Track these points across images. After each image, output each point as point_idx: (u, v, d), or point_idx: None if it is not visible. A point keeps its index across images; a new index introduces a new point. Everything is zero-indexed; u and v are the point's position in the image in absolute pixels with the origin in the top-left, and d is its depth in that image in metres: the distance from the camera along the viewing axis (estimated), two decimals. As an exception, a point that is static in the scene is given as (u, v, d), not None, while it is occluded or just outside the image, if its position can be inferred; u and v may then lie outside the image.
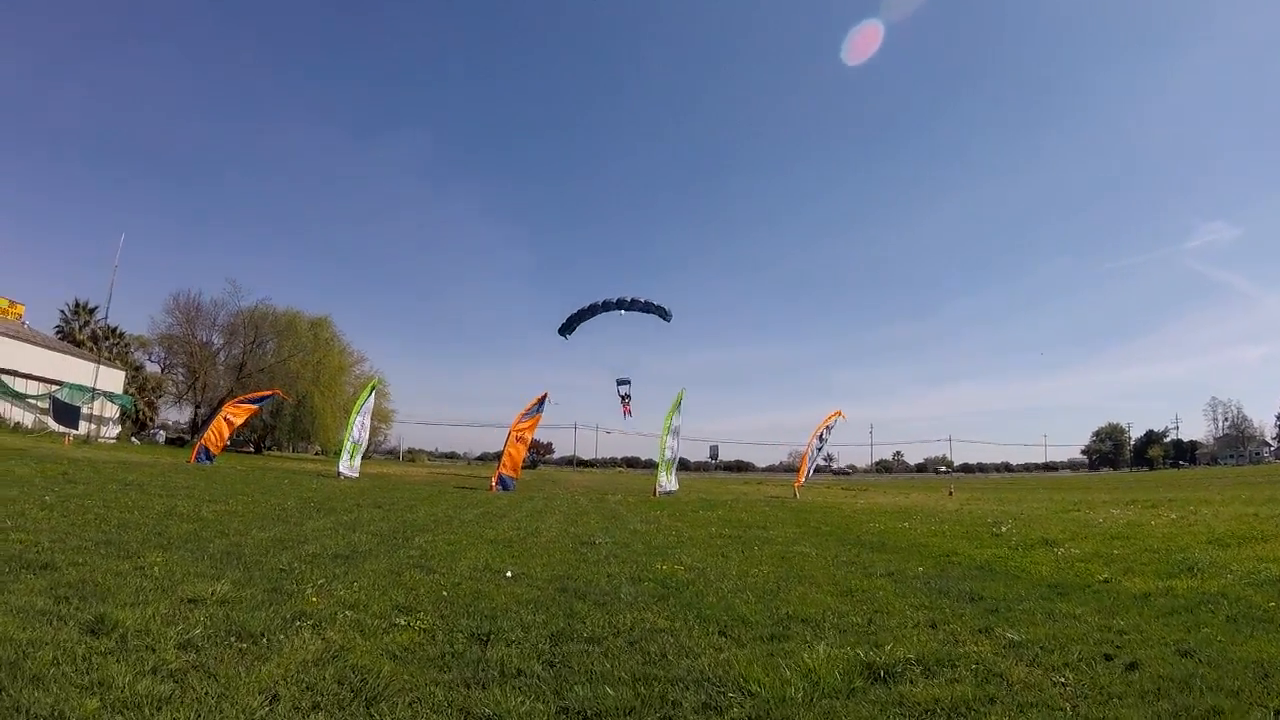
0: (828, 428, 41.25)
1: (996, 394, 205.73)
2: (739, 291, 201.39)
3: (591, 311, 39.20)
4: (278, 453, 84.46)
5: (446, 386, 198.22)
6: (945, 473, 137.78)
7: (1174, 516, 19.09)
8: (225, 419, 40.58)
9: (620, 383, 40.78)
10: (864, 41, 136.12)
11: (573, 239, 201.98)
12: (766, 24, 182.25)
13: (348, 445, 36.33)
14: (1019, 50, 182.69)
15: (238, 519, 14.42)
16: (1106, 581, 10.49)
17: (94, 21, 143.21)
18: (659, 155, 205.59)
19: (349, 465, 35.78)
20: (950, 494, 41.01)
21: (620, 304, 38.42)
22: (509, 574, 10.17)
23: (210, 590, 7.57)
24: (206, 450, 38.14)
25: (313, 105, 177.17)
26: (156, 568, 8.61)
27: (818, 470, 45.23)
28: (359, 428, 37.32)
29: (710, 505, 26.17)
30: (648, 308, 39.03)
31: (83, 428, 54.41)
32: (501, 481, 33.94)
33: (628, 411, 41.93)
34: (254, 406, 45.90)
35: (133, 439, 65.42)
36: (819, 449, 42.22)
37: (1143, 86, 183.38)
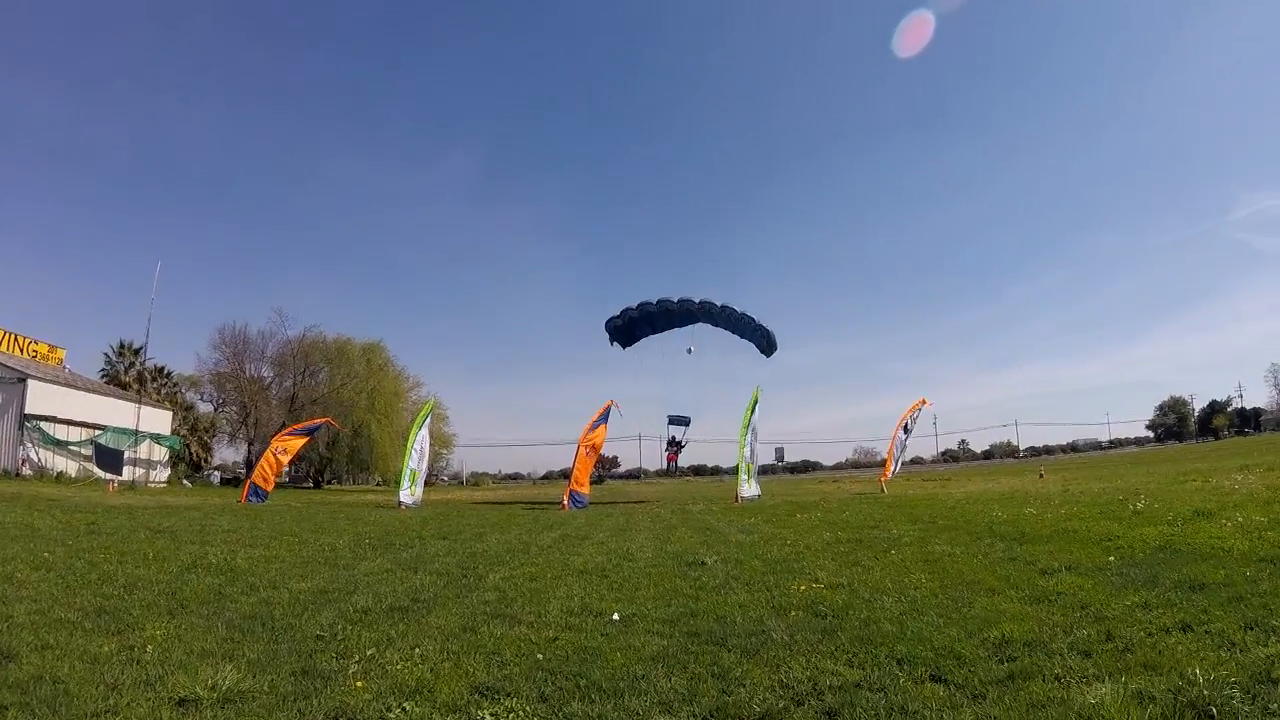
0: (912, 417, 39.06)
1: (1057, 376, 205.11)
2: (795, 289, 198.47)
3: (665, 316, 36.52)
4: (338, 486, 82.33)
5: (505, 407, 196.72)
6: (1022, 457, 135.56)
7: None
8: (275, 454, 38.61)
9: (674, 422, 39.29)
10: (915, 33, 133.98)
11: (624, 249, 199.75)
12: (815, 25, 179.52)
13: (407, 473, 34.10)
14: (1052, 33, 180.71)
15: (277, 565, 12.10)
16: None
17: (136, 45, 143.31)
18: (711, 158, 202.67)
19: (410, 494, 33.54)
20: (1041, 476, 39.80)
21: (704, 312, 35.78)
22: (615, 616, 8.03)
23: (212, 681, 5.39)
24: (257, 488, 36.24)
25: (358, 127, 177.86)
26: (151, 646, 6.46)
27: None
28: (417, 454, 35.09)
29: (801, 507, 23.88)
30: (743, 328, 36.12)
31: (127, 473, 52.64)
32: (574, 499, 30.96)
33: (673, 460, 41.89)
34: (304, 437, 43.89)
35: (184, 481, 62.71)
36: (904, 440, 39.74)
37: (1171, 61, 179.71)
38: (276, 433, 48.11)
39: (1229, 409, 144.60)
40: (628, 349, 38.63)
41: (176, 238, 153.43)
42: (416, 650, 6.56)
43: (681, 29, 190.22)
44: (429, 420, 37.43)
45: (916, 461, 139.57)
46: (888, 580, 9.62)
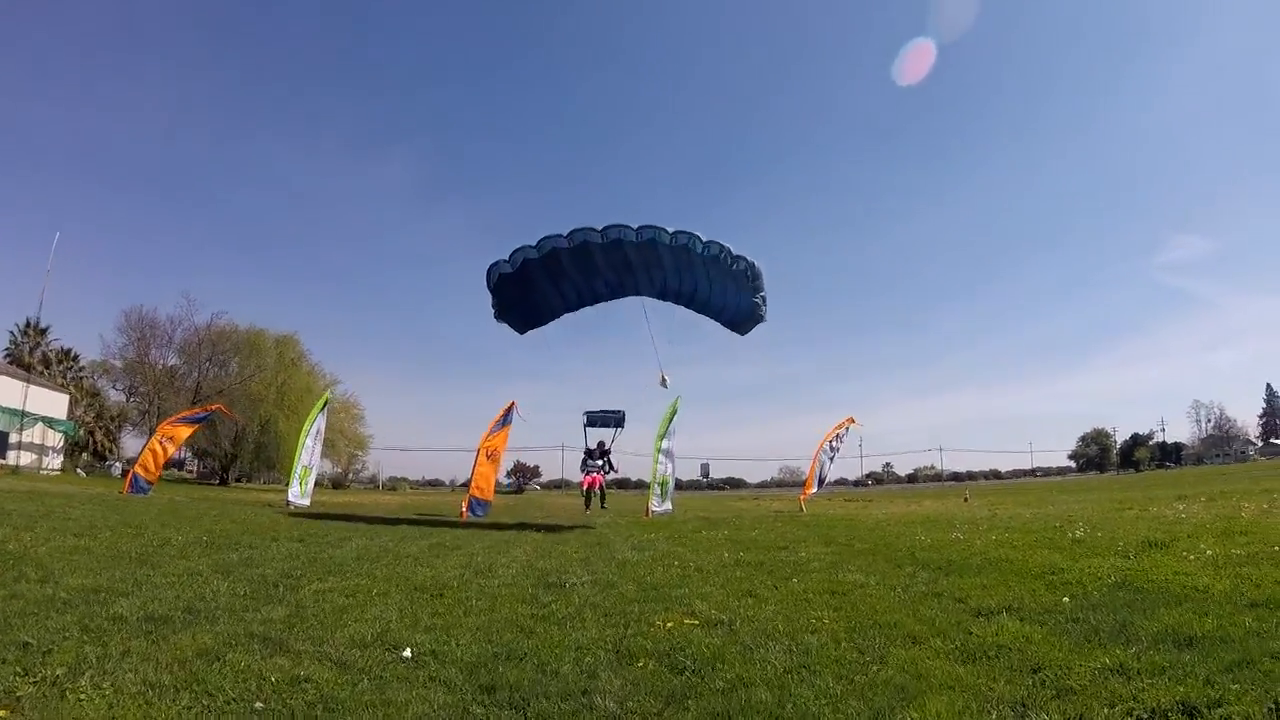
0: (838, 436, 37.26)
1: (982, 403, 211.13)
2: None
3: (584, 273, 20.20)
4: (246, 484, 78.56)
5: (432, 412, 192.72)
6: (946, 481, 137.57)
7: (1253, 507, 18.07)
8: (160, 442, 35.62)
9: (597, 422, 27.33)
10: (917, 62, 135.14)
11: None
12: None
13: (297, 470, 31.31)
14: (998, 70, 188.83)
15: (80, 557, 10.68)
16: None
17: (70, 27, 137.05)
18: (660, 173, 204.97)
19: (299, 493, 30.84)
20: (966, 500, 38.85)
21: (649, 268, 19.97)
22: (407, 653, 6.16)
23: None
24: (138, 479, 33.35)
25: (295, 121, 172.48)
26: None
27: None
28: (309, 449, 32.44)
29: (712, 524, 22.08)
30: (714, 293, 20.53)
31: (12, 457, 49.49)
32: (473, 506, 28.86)
33: (594, 485, 29.80)
34: (193, 426, 40.71)
35: (78, 470, 59.33)
36: (830, 458, 37.93)
37: (1118, 105, 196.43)
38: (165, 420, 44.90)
39: (1151, 442, 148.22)
40: (524, 333, 22.66)
41: (86, 213, 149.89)
42: (115, 679, 5.12)
43: (637, 35, 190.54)
44: (325, 413, 34.81)
45: (841, 482, 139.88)
46: (781, 619, 7.66)
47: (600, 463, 27.36)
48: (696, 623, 7.41)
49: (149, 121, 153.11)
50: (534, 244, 18.88)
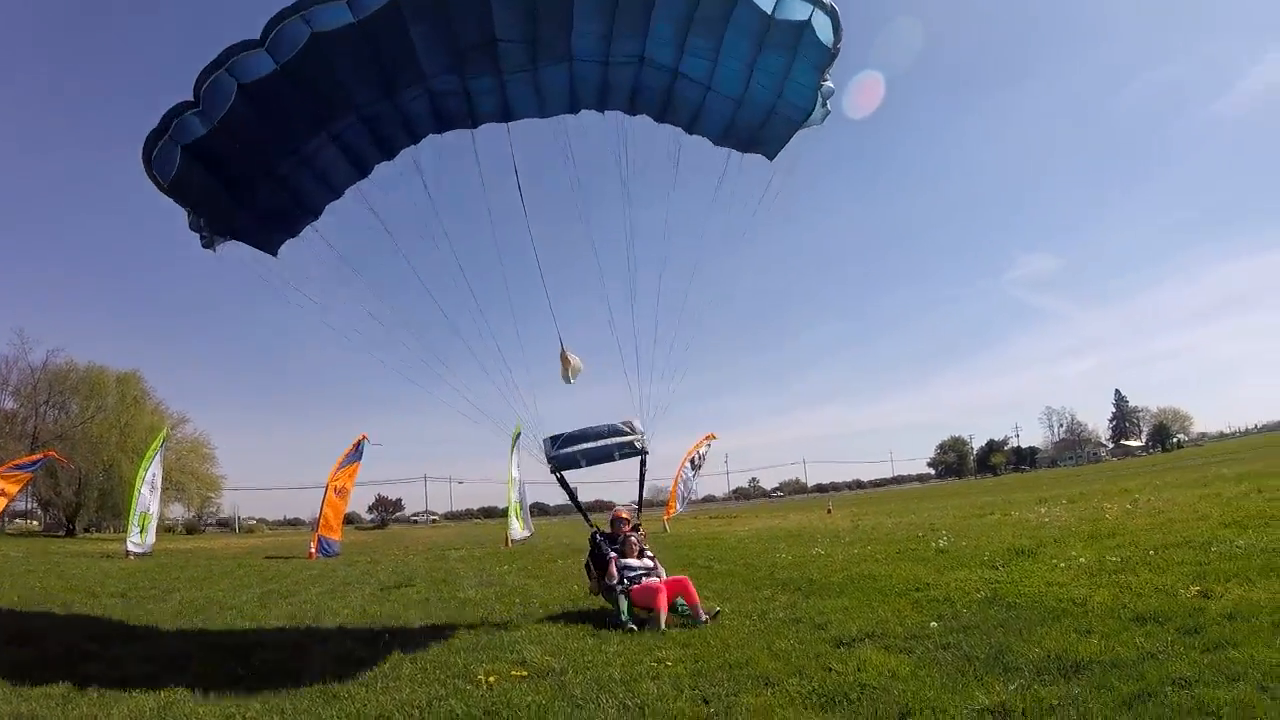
0: (699, 453, 36.72)
1: (844, 417, 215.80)
2: (593, 330, 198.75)
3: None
4: (95, 534, 73.89)
5: (291, 448, 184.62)
6: (810, 493, 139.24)
7: (1114, 508, 18.16)
8: (-9, 493, 32.94)
9: (590, 456, 10.49)
10: (868, 95, 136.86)
11: (415, 289, 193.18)
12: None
13: (134, 516, 29.05)
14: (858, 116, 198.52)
15: None
16: (1205, 596, 7.33)
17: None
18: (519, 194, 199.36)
19: (138, 541, 28.62)
20: (829, 511, 38.53)
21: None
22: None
23: None
24: (-37, 534, 30.96)
25: (133, 132, 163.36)
26: None
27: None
28: (147, 493, 30.08)
29: (571, 550, 21.06)
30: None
31: None
32: (322, 546, 27.17)
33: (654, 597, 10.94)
34: (25, 475, 38.03)
35: None
36: (692, 475, 37.29)
37: (965, 135, 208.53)
38: (-10, 471, 41.55)
39: (1006, 447, 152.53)
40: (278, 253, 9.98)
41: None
42: None
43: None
44: (161, 455, 32.60)
45: (708, 499, 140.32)
46: (620, 663, 6.65)
47: (639, 568, 10.19)
48: (525, 674, 6.38)
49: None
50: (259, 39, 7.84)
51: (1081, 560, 10.16)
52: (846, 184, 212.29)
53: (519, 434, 30.08)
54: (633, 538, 10.56)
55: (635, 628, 8.42)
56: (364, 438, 30.25)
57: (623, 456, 10.46)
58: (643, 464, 10.87)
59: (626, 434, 10.36)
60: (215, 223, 9.23)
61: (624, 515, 11.54)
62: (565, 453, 10.32)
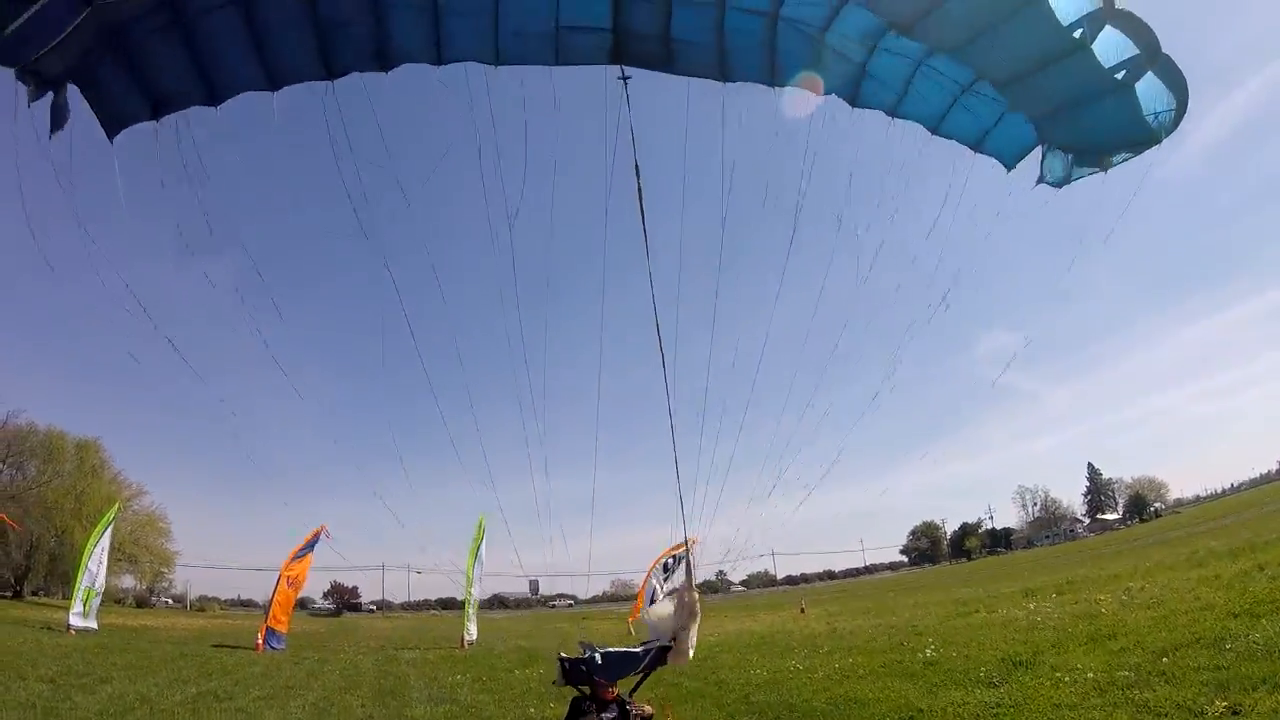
0: (674, 557, 35.70)
1: (812, 506, 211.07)
2: (564, 415, 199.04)
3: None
4: (44, 598, 72.42)
5: (249, 527, 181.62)
6: (780, 586, 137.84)
7: (1108, 599, 17.01)
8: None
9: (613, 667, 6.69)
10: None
11: (375, 374, 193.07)
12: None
13: (79, 590, 27.94)
14: (823, 171, 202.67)
15: None
16: (1235, 713, 6.72)
17: None
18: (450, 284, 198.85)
19: (81, 616, 27.52)
20: (803, 610, 37.56)
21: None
22: None
23: None
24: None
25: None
26: None
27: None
28: (94, 569, 28.84)
29: (530, 657, 20.30)
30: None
31: None
32: (269, 639, 25.73)
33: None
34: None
35: None
36: (663, 579, 36.19)
37: (921, 220, 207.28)
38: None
39: (980, 530, 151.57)
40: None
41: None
42: None
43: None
44: (109, 530, 31.44)
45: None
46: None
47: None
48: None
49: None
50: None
51: (1089, 674, 9.11)
52: (808, 262, 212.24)
53: (482, 528, 29.13)
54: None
55: None
56: (323, 529, 29.16)
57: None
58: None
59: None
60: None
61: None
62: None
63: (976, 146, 7.98)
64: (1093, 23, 6.48)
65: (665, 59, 7.60)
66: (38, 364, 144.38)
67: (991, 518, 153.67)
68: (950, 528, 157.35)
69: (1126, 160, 7.71)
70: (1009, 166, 8.35)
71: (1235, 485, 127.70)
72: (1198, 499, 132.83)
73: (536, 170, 7.03)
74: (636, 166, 7.07)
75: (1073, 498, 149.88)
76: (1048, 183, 8.07)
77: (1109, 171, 7.65)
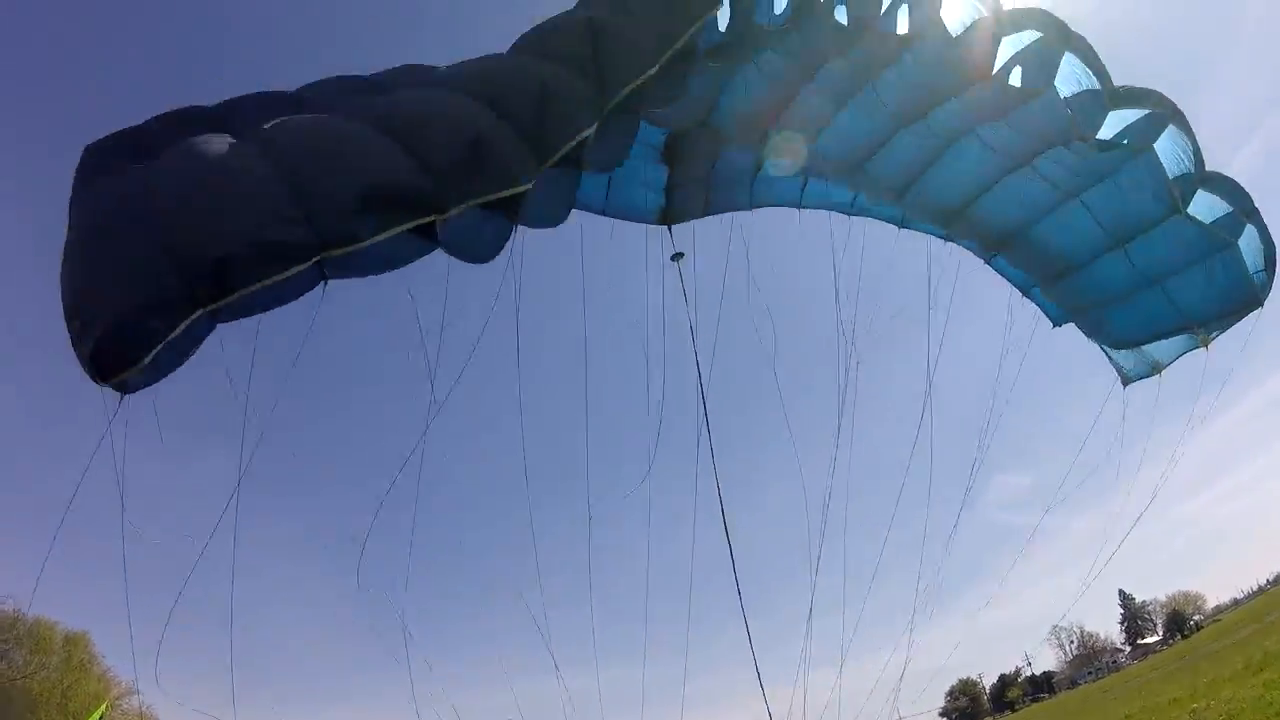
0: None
1: (832, 678, 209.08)
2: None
3: None
4: None
5: None
6: None
7: None
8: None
9: None
10: None
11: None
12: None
13: None
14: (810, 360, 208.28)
15: None
16: None
17: None
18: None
19: None
20: None
21: None
22: None
23: None
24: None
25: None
26: None
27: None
28: None
29: None
30: None
31: None
32: None
33: None
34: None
35: None
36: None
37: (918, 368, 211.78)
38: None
39: (1020, 679, 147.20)
40: None
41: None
42: None
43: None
44: None
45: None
46: None
47: None
48: None
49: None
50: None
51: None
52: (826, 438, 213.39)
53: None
54: None
55: None
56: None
57: None
58: None
59: None
60: None
61: None
62: None
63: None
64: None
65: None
66: (26, 548, 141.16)
67: (1029, 664, 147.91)
68: (988, 681, 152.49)
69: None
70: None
71: (1270, 579, 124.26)
72: (1236, 602, 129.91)
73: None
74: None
75: (1109, 628, 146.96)
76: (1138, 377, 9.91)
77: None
